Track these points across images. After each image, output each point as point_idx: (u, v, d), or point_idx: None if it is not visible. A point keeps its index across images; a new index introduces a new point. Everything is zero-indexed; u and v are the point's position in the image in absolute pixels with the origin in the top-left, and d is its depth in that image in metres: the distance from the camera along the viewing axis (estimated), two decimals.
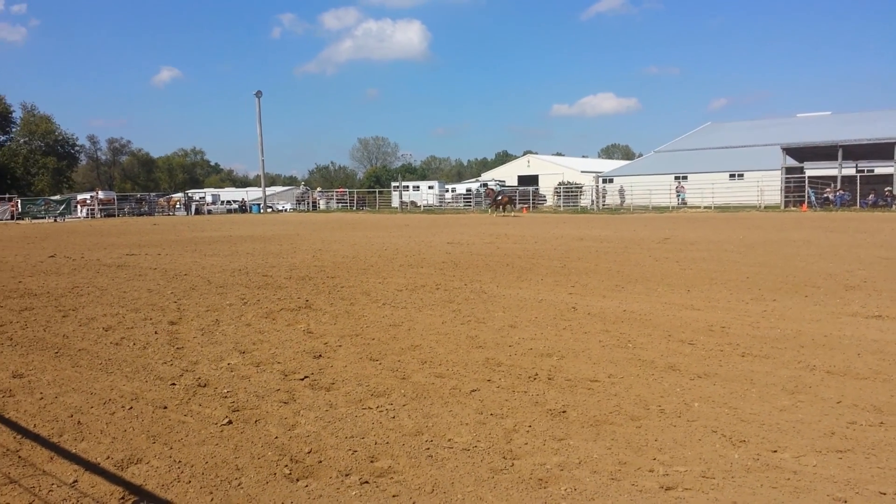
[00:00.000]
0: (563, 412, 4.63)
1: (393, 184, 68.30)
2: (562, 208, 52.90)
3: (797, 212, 38.82)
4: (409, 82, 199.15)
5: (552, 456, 3.89)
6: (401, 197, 60.92)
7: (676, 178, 57.67)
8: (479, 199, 57.60)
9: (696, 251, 15.44)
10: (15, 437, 4.28)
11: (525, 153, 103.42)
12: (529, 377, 5.46)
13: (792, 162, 46.46)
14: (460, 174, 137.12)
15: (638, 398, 4.91)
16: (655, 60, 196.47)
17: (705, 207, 46.06)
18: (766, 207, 44.03)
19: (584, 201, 55.88)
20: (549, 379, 5.41)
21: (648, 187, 51.91)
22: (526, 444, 4.08)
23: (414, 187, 67.71)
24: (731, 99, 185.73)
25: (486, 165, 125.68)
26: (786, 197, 44.01)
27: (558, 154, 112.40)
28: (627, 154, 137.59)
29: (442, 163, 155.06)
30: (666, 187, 52.03)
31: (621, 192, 52.57)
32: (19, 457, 3.96)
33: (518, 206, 49.00)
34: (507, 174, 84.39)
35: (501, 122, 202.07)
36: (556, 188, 58.26)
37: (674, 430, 4.29)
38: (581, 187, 59.55)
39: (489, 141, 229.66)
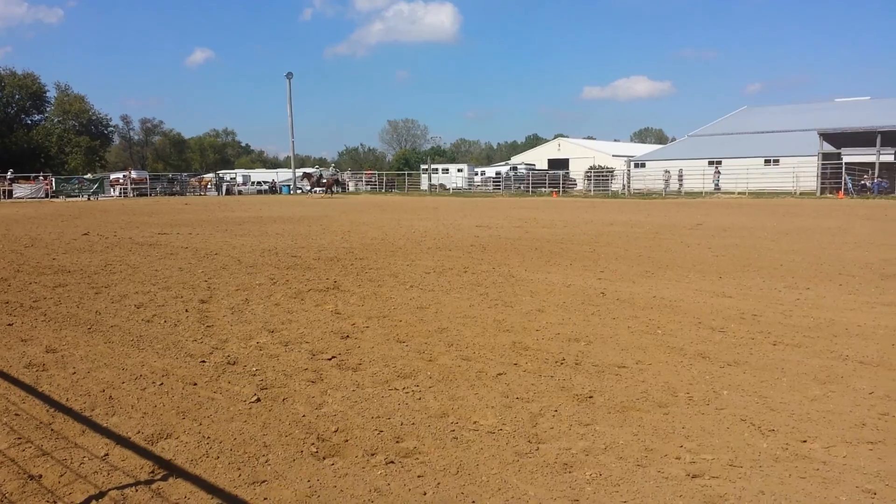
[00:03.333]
0: (590, 397, 4.61)
1: (422, 166, 68.21)
2: (592, 192, 52.45)
3: (833, 199, 38.08)
4: (440, 64, 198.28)
5: (578, 441, 3.88)
6: (430, 179, 60.87)
7: (710, 163, 56.73)
8: (509, 183, 57.38)
9: (728, 237, 15.24)
10: (48, 411, 4.37)
11: (556, 136, 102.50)
12: (556, 362, 5.44)
13: (829, 148, 45.50)
14: (490, 157, 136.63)
15: (666, 385, 4.87)
16: (690, 43, 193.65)
17: (739, 193, 45.36)
18: (801, 194, 43.24)
19: (616, 185, 55.29)
20: (577, 364, 5.39)
21: (681, 172, 51.18)
22: (552, 428, 4.07)
23: (443, 170, 67.54)
24: (767, 83, 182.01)
25: (516, 148, 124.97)
26: (822, 183, 43.13)
27: (590, 137, 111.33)
28: (661, 138, 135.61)
29: (472, 146, 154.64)
30: (699, 172, 51.18)
31: (680, 175, 50.35)
32: (52, 430, 4.04)
33: (338, 188, 52.88)
34: (538, 157, 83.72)
35: (532, 104, 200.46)
36: (587, 172, 57.67)
37: (702, 417, 4.25)
38: (612, 171, 58.94)
39: (519, 124, 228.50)
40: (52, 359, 5.56)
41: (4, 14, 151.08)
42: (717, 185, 49.95)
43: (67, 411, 4.34)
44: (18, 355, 5.65)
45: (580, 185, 57.41)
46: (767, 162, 55.77)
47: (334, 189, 48.92)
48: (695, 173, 50.97)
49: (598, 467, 3.54)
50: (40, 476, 3.44)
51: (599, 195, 49.79)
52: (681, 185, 49.97)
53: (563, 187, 54.76)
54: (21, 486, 3.33)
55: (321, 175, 51.36)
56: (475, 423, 4.17)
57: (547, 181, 56.69)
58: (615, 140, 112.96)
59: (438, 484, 3.38)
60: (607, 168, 62.07)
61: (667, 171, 50.39)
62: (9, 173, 46.16)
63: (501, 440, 3.90)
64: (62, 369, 5.27)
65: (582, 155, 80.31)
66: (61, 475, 3.46)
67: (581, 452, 3.72)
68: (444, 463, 3.61)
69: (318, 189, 48.67)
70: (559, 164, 77.55)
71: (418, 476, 3.46)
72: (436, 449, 3.79)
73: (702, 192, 48.00)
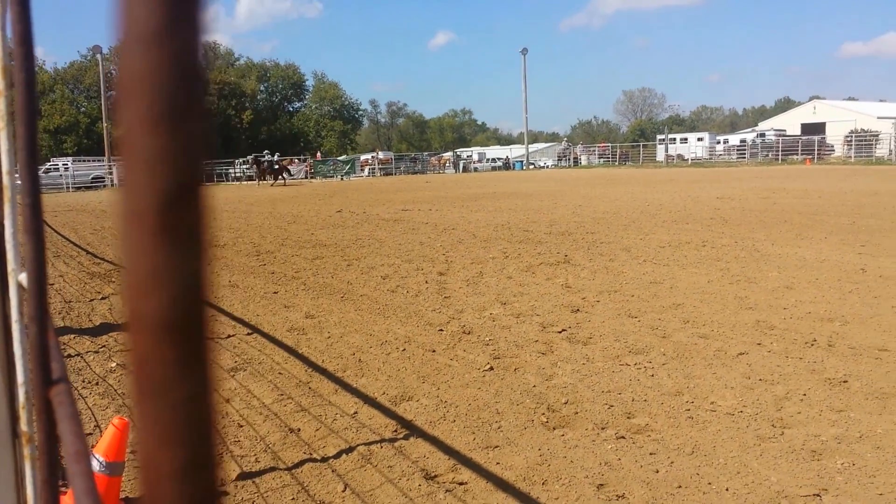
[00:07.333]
0: (844, 382, 4.20)
1: (658, 137, 65.60)
2: (853, 159, 47.21)
3: None
4: (681, 28, 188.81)
5: (829, 427, 3.56)
6: (666, 150, 58.36)
7: None
8: (755, 151, 53.36)
9: None
10: (306, 371, 4.86)
11: (811, 98, 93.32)
12: (806, 343, 5.02)
13: None
14: (734, 124, 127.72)
15: None
16: None
17: None
18: None
19: (881, 151, 49.20)
20: (830, 345, 4.93)
21: None
22: (799, 413, 3.78)
23: (681, 140, 64.46)
24: None
25: (764, 113, 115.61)
26: None
27: (851, 98, 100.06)
28: None
29: (714, 112, 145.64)
30: None
31: None
32: (309, 388, 4.49)
33: (295, 173, 47.35)
34: (789, 122, 76.80)
35: (782, 65, 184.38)
36: (847, 137, 51.92)
37: None
38: (877, 135, 52.49)
39: (768, 87, 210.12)
40: (310, 324, 6.17)
41: (272, 10, 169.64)
42: None
43: (322, 371, 4.80)
44: (282, 320, 6.34)
45: (838, 152, 51.92)
46: None
47: (284, 176, 43.35)
48: None
49: (851, 456, 3.22)
50: (299, 430, 3.84)
51: (861, 162, 44.68)
52: None
53: (818, 154, 49.85)
54: (283, 438, 3.74)
55: (267, 161, 44.20)
56: (712, 403, 3.98)
57: (799, 148, 51.91)
58: (881, 100, 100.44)
59: (672, 462, 3.29)
60: (871, 132, 55.38)
61: None
62: (275, 156, 49.30)
63: (741, 422, 3.69)
64: (318, 333, 5.83)
65: (841, 118, 72.27)
66: (317, 430, 3.83)
67: (832, 440, 3.41)
68: (678, 442, 3.50)
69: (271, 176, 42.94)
70: (814, 128, 70.50)
71: (650, 453, 3.39)
72: (669, 427, 3.68)
73: None
